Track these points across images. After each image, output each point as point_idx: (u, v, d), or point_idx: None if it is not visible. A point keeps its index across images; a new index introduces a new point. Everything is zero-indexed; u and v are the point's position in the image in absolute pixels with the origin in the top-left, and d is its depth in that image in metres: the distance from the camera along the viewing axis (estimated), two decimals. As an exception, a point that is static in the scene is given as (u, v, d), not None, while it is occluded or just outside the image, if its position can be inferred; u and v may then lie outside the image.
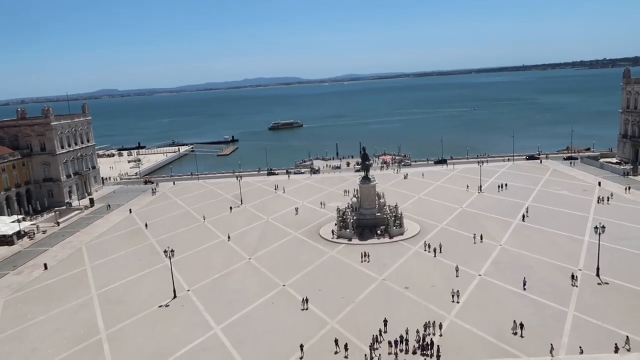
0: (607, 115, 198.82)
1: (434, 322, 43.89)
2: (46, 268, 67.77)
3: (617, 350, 38.30)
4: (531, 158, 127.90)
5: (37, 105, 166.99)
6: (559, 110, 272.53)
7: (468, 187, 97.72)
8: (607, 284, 51.37)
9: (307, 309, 49.78)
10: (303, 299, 50.92)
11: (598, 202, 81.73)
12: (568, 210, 78.72)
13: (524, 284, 51.21)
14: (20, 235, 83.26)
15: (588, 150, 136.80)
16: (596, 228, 54.77)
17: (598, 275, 52.98)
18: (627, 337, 39.79)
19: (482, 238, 67.64)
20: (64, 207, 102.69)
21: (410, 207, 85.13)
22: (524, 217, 75.26)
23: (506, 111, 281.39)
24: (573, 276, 52.18)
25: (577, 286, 50.64)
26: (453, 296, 49.24)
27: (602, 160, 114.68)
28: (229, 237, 74.89)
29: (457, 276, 54.74)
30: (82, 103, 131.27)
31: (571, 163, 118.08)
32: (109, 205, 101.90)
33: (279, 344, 43.15)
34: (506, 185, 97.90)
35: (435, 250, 63.57)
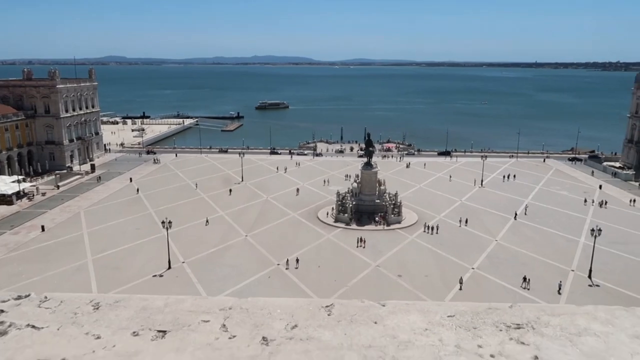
0: (614, 118, 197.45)
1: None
2: (43, 230, 68.22)
3: None
4: (593, 157, 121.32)
5: (44, 67, 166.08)
6: (563, 109, 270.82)
7: (450, 176, 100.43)
8: (597, 286, 51.73)
9: (287, 268, 55.10)
10: (287, 260, 55.57)
11: (598, 206, 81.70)
12: (566, 210, 78.82)
13: (525, 281, 51.31)
14: (19, 195, 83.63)
15: (592, 152, 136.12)
16: (592, 230, 55.14)
17: (590, 277, 53.30)
18: None
19: (466, 222, 70.36)
20: (65, 171, 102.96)
21: (409, 196, 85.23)
22: (515, 214, 74.90)
23: (513, 107, 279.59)
24: (525, 278, 51.65)
25: (528, 288, 50.26)
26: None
27: (605, 164, 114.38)
28: (207, 221, 70.79)
29: (461, 289, 50.55)
30: (88, 67, 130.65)
31: (574, 163, 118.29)
32: (99, 177, 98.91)
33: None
34: (515, 176, 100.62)
35: (432, 229, 66.97)
